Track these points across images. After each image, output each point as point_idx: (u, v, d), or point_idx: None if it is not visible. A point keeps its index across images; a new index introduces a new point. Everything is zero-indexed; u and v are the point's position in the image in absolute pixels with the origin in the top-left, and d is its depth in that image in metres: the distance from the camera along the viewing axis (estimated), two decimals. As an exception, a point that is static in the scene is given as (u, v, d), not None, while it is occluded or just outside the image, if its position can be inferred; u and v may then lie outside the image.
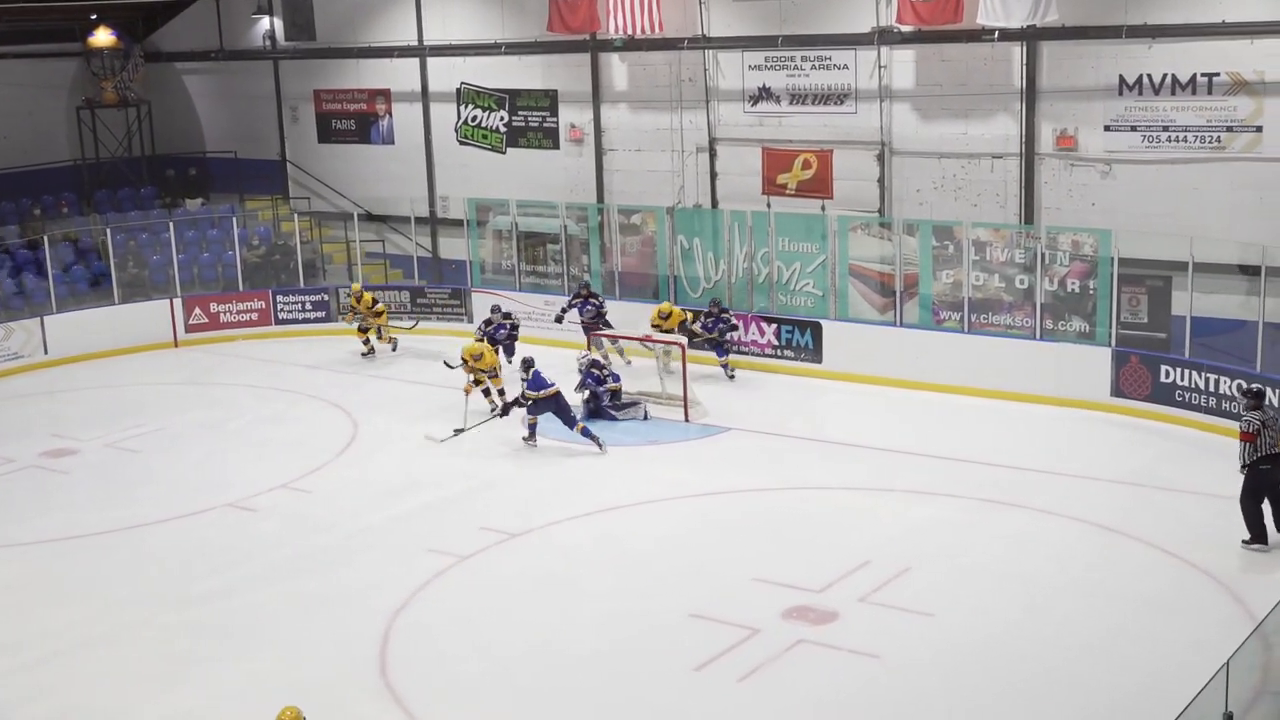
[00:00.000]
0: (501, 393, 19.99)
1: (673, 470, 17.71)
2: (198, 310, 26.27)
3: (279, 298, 26.69)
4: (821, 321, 22.07)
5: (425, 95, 28.02)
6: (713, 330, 21.64)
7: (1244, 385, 14.96)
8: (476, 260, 26.28)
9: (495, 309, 22.99)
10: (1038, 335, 20.26)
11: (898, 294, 21.60)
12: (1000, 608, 13.41)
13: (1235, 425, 15.15)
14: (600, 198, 25.97)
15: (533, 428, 18.74)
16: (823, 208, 23.19)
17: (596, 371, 19.97)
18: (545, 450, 18.78)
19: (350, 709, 11.86)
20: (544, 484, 17.48)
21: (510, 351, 22.29)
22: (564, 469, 18.04)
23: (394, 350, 24.33)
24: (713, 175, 24.68)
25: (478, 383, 19.90)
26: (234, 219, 28.04)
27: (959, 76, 22.06)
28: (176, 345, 25.94)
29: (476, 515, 16.34)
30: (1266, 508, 14.37)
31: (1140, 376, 19.13)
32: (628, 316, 22.62)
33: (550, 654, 12.70)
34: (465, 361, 19.79)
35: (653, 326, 21.39)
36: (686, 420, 19.80)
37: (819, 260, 22.41)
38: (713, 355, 21.87)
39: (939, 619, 13.13)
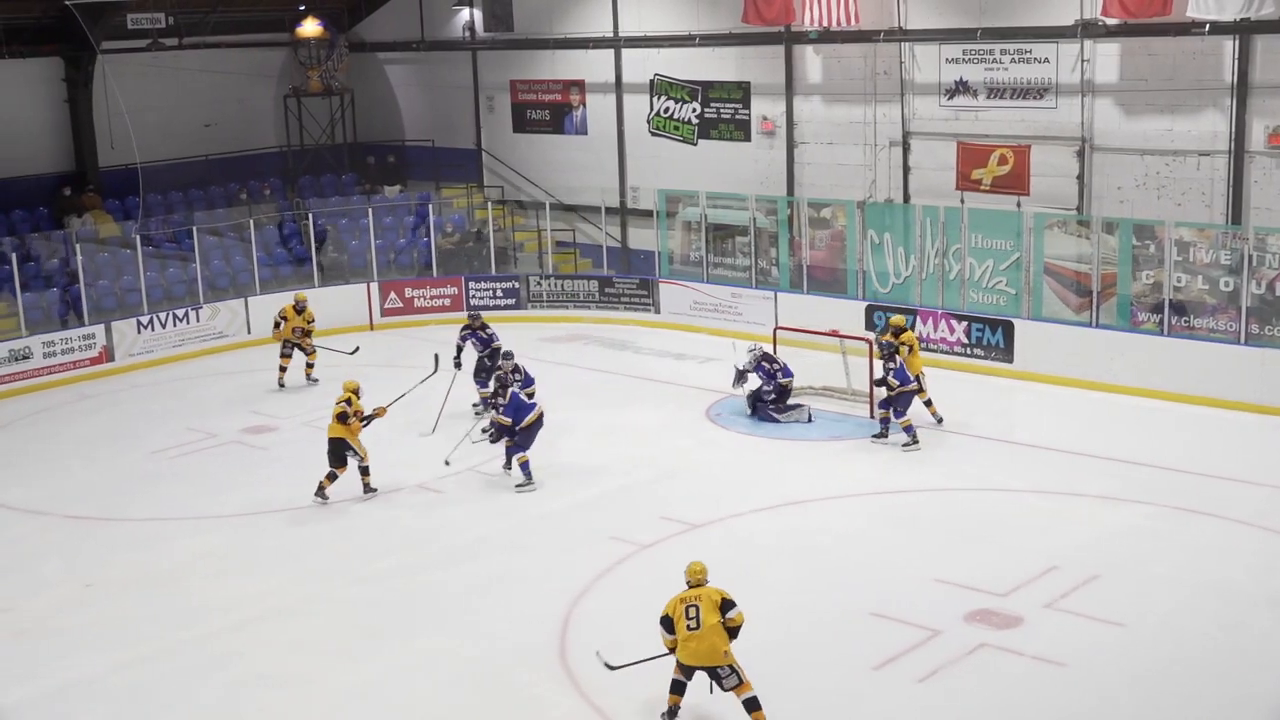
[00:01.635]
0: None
1: (855, 466, 17.54)
2: (393, 295, 26.91)
3: (471, 284, 27.17)
4: (1014, 320, 21.64)
5: (619, 86, 28.22)
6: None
7: None
8: (665, 251, 26.38)
9: (474, 317, 21.09)
10: (1242, 340, 19.55)
11: (1094, 294, 21.06)
12: (1193, 621, 13.00)
13: None
14: (790, 190, 25.85)
15: (509, 450, 17.32)
16: (1018, 204, 22.72)
17: (768, 365, 19.68)
18: (728, 441, 18.77)
19: (528, 692, 12.03)
20: (727, 475, 17.47)
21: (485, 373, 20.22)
22: (747, 461, 18.00)
23: (310, 381, 22.51)
24: (905, 170, 24.36)
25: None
26: (430, 206, 28.64)
27: (1165, 70, 21.37)
28: (372, 328, 26.60)
29: (659, 504, 16.41)
30: None
31: (1352, 386, 18.34)
32: (814, 313, 22.43)
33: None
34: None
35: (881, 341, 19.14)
36: (872, 417, 19.58)
37: (1013, 258, 21.96)
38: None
39: (1128, 629, 12.78)
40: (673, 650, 11.05)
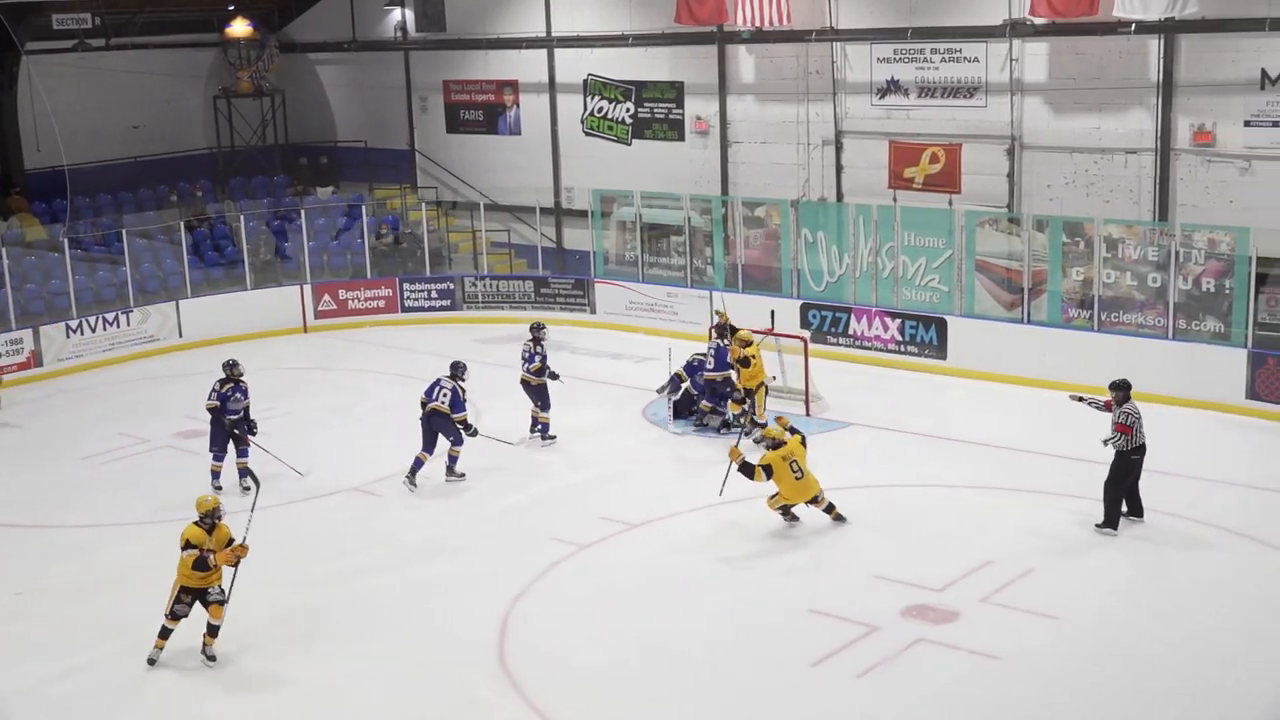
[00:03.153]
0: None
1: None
2: (327, 297, 26.73)
3: (406, 285, 27.05)
4: (947, 317, 21.81)
5: (552, 86, 28.19)
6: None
7: (1114, 380, 15.24)
8: (600, 251, 26.37)
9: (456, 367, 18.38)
10: (1170, 335, 19.82)
11: (1025, 290, 21.26)
12: (1128, 613, 13.17)
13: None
14: (725, 190, 25.92)
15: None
16: (950, 202, 22.91)
17: (700, 357, 19.48)
18: (665, 440, 18.81)
19: (469, 693, 12.00)
20: (664, 475, 17.49)
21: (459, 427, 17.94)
22: (685, 460, 18.04)
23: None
24: (838, 168, 24.50)
25: None
26: (364, 207, 28.47)
27: (1093, 70, 21.63)
28: (306, 330, 26.42)
29: (597, 505, 16.40)
30: None
31: (1278, 379, 18.61)
32: (750, 311, 22.50)
33: (667, 646, 12.71)
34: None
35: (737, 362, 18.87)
36: (807, 414, 19.67)
37: (945, 255, 22.13)
38: (834, 349, 21.72)
39: (1063, 622, 12.92)
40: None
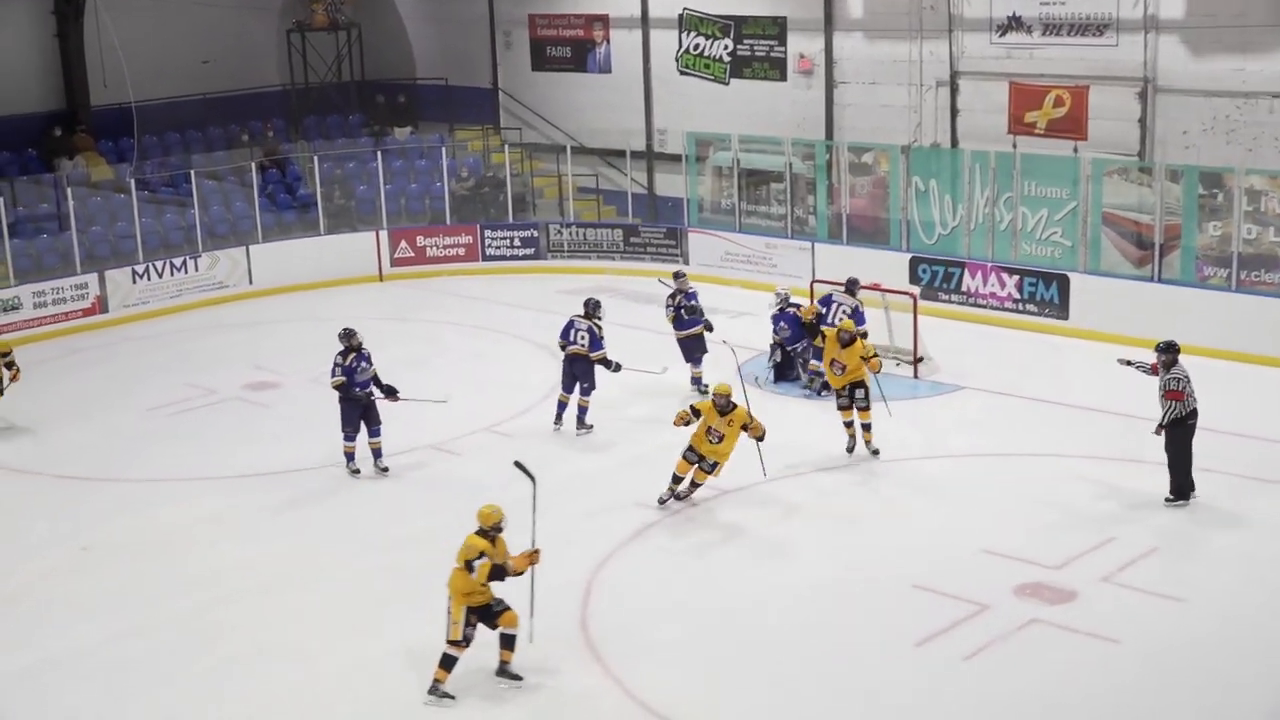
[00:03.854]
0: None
1: (898, 430, 17.44)
2: (404, 244, 26.89)
3: (487, 233, 27.13)
4: (1069, 274, 21.52)
5: (645, 21, 28.04)
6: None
7: (1161, 341, 15.09)
8: (694, 198, 26.27)
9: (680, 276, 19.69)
10: (1316, 296, 19.45)
11: (1157, 246, 20.90)
12: (1259, 595, 12.98)
13: None
14: (829, 134, 25.68)
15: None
16: (1075, 150, 22.54)
17: (793, 309, 19.29)
18: (759, 401, 18.72)
19: (548, 665, 12.03)
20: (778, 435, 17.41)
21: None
22: (778, 422, 17.92)
23: None
24: (953, 112, 24.16)
25: None
26: (443, 149, 28.56)
27: (1236, 6, 21.11)
28: (381, 279, 26.61)
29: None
30: None
31: None
32: (854, 265, 22.31)
33: (758, 621, 12.69)
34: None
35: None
36: (915, 376, 19.50)
37: (1069, 207, 21.81)
38: (945, 306, 21.53)
39: (1189, 605, 12.75)
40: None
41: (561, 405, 17.93)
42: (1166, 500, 14.85)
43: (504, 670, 11.86)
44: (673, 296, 19.36)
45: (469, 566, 11.56)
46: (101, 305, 24.08)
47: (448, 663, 11.63)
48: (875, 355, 16.76)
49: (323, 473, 16.76)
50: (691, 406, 15.40)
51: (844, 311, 18.82)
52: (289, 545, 14.82)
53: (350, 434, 16.63)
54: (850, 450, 16.59)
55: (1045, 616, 12.57)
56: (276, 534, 15.14)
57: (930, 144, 24.29)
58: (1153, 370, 15.19)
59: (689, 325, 19.22)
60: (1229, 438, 16.73)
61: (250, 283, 25.69)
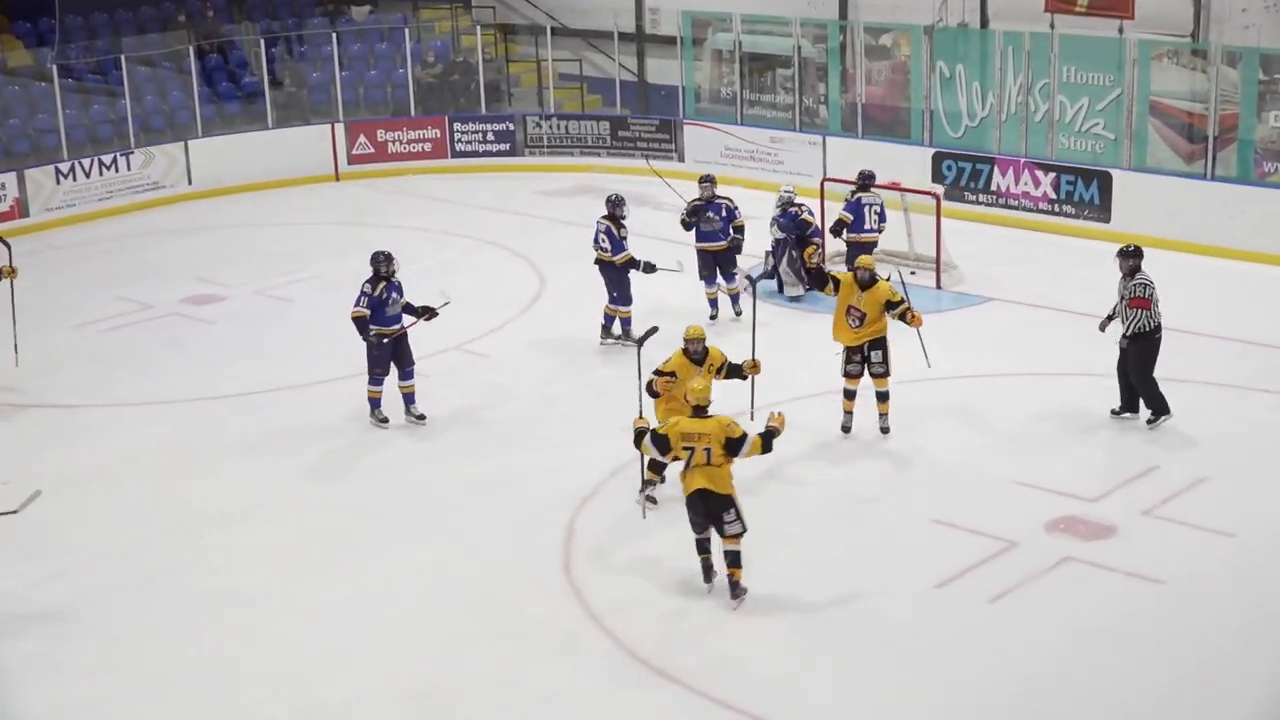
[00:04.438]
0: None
1: (916, 347, 17.53)
2: (362, 138, 26.83)
3: (457, 125, 27.06)
4: (1112, 171, 21.54)
5: (635, -117, 27.86)
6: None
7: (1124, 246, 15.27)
8: (691, 86, 26.19)
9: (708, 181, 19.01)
10: (1389, 196, 19.51)
11: (1211, 139, 20.91)
12: (1321, 531, 13.07)
13: None
14: (843, 13, 25.58)
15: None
16: (1120, 30, 22.46)
17: (795, 209, 19.26)
18: (763, 314, 18.78)
19: (524, 610, 12.15)
20: (768, 356, 17.45)
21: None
22: (785, 339, 18.01)
23: None
24: (984, -14, 24.13)
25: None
26: (406, 31, 28.39)
27: None
28: (338, 179, 26.59)
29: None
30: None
31: None
32: (871, 161, 22.29)
33: (764, 559, 12.76)
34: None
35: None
36: (938, 286, 19.56)
37: (1112, 95, 21.80)
38: (972, 208, 21.56)
39: (1241, 540, 12.85)
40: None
41: (608, 318, 18.00)
42: (1148, 424, 15.02)
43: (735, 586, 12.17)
44: (694, 212, 18.61)
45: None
46: (21, 209, 24.03)
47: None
48: (906, 305, 14.96)
49: (270, 397, 16.81)
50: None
51: (876, 212, 18.86)
52: (241, 476, 14.90)
53: (379, 376, 15.78)
54: (847, 430, 15.20)
55: (1080, 554, 12.66)
56: (226, 465, 15.18)
57: (957, 24, 24.21)
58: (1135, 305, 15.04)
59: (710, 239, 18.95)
60: (1286, 354, 16.88)
61: (189, 183, 25.65)
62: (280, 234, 23.27)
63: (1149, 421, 15.05)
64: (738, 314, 18.53)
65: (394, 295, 15.78)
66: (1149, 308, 14.84)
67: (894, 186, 20.38)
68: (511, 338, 18.46)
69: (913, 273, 19.56)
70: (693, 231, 18.66)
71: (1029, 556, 12.65)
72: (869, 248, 18.94)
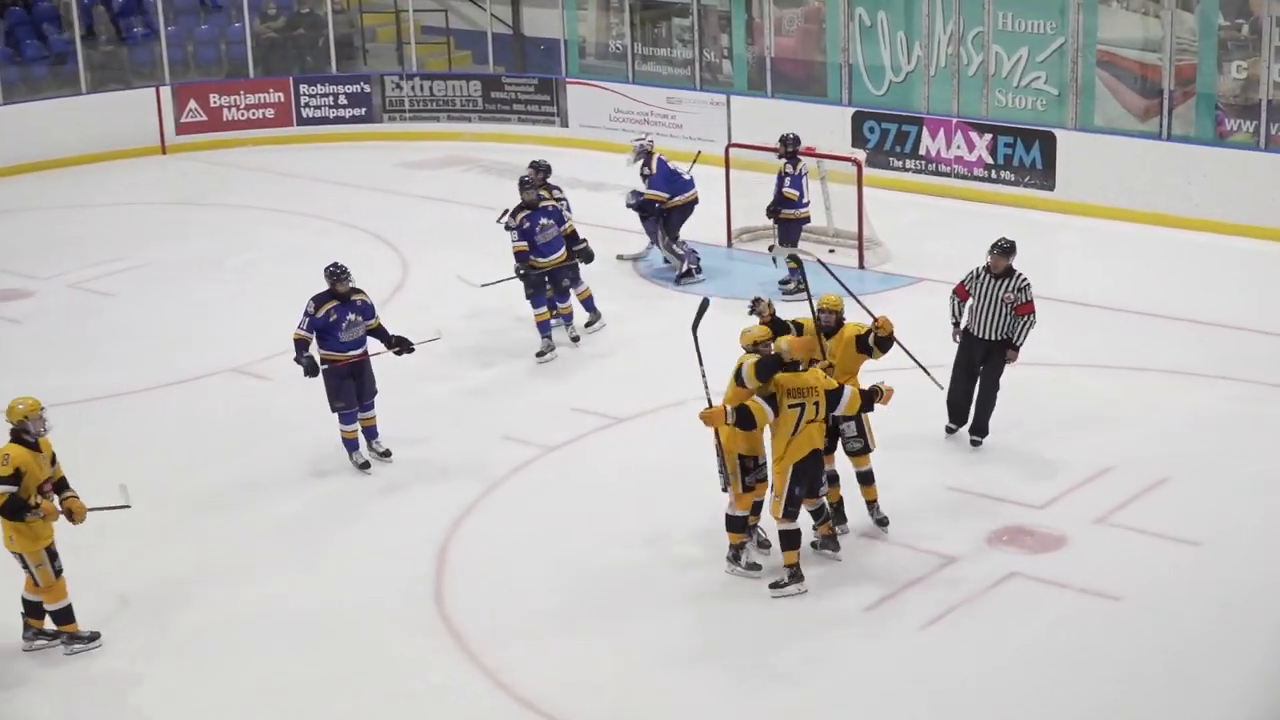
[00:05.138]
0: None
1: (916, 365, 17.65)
2: (193, 104, 26.58)
3: (303, 88, 26.87)
4: (1056, 131, 21.77)
5: None
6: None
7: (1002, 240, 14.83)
8: (574, 40, 26.17)
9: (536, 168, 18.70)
10: (1365, 155, 19.85)
11: (1166, 93, 21.15)
12: (1295, 536, 13.26)
13: None
14: (748, -47, 25.68)
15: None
16: (1063, -30, 22.73)
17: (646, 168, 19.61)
18: (666, 302, 18.83)
19: (392, 650, 12.07)
20: (659, 354, 17.48)
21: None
22: (688, 333, 18.06)
23: None
24: (907, -78, 24.27)
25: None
26: (243, -22, 28.22)
27: None
28: (164, 151, 26.34)
29: (571, 393, 16.45)
30: None
31: None
32: (782, 123, 22.38)
33: (659, 576, 12.76)
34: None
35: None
36: (861, 266, 19.68)
37: (1055, 45, 22.01)
38: (898, 175, 21.74)
39: (1206, 549, 12.98)
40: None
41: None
42: (975, 442, 14.93)
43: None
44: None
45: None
46: None
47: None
48: (872, 325, 13.57)
49: (90, 407, 16.58)
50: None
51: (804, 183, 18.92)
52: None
53: (341, 410, 15.01)
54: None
55: (1027, 569, 12.73)
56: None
57: (877, -35, 24.36)
58: (959, 294, 14.96)
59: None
60: (1257, 338, 17.08)
61: (-10, 158, 25.34)
62: (98, 217, 22.98)
63: (975, 441, 14.93)
64: (574, 340, 17.92)
65: (350, 317, 14.90)
66: (1034, 312, 14.79)
67: (809, 153, 20.44)
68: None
69: (831, 251, 19.71)
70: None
71: (967, 573, 12.69)
72: (802, 224, 19.09)
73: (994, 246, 14.73)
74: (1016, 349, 14.82)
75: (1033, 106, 22.26)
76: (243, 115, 26.81)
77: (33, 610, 12.19)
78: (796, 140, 19.17)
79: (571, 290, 17.92)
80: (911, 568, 12.83)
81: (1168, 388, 16.07)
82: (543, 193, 17.72)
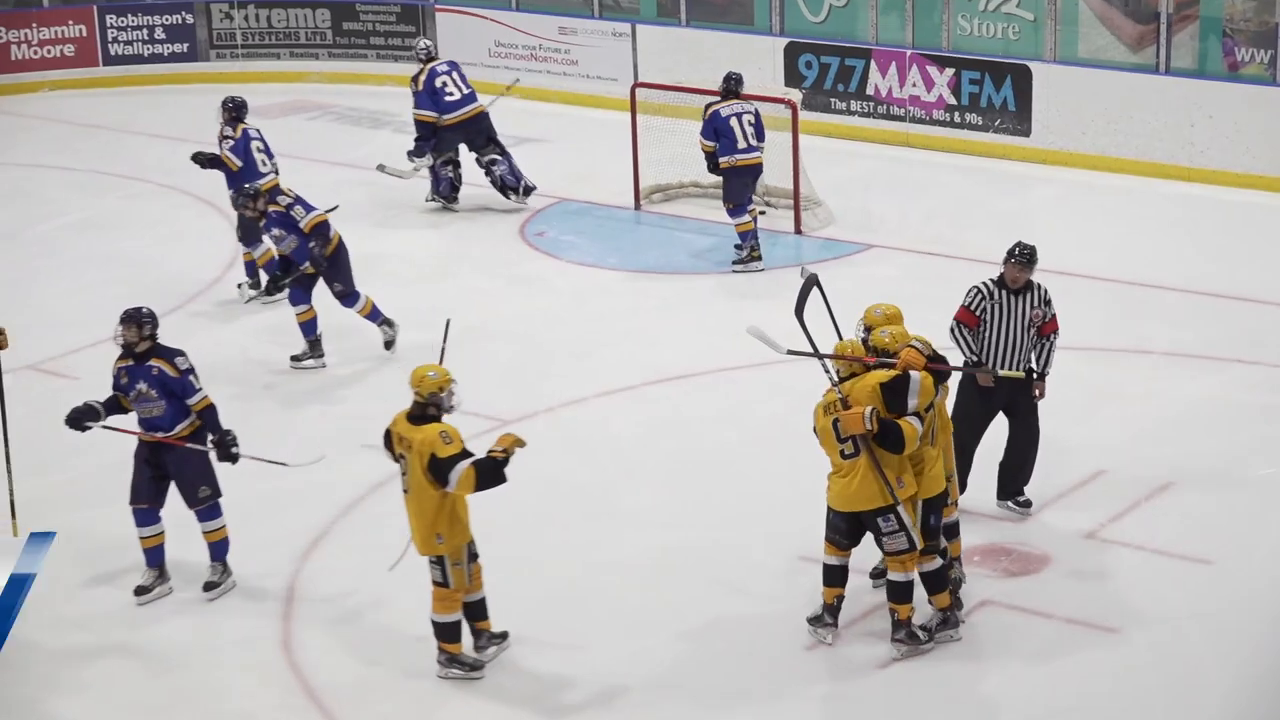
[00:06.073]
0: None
1: (773, 314, 17.63)
2: (-25, 40, 26.41)
3: (110, 19, 26.69)
4: (1031, 65, 21.92)
5: None
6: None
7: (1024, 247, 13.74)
8: (444, -43, 26.13)
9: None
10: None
11: (1164, 19, 21.29)
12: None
13: None
14: None
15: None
16: None
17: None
18: (561, 276, 18.83)
19: (234, 702, 12.08)
20: (558, 333, 17.48)
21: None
22: (592, 308, 18.06)
23: None
24: None
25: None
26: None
27: None
28: (-60, 98, 26.16)
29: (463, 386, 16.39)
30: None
31: None
32: (702, 59, 22.40)
33: (569, 609, 12.79)
34: None
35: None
36: (798, 231, 19.72)
37: (1029, -39, 22.17)
38: (841, 120, 21.83)
39: (1219, 569, 13.07)
40: None
41: None
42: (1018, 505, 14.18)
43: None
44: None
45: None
46: None
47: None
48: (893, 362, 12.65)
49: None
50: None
51: (751, 123, 18.80)
52: None
53: (139, 510, 13.38)
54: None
55: (1003, 596, 12.81)
56: None
57: None
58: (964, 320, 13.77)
59: None
60: (1274, 311, 17.22)
61: None
62: None
63: (1023, 503, 14.08)
64: (388, 345, 17.72)
65: (142, 387, 13.13)
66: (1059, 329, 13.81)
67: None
68: (198, 327, 18.15)
69: (763, 211, 19.69)
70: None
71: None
72: (754, 171, 18.92)
73: (1010, 255, 13.55)
74: (1044, 378, 13.81)
75: (1004, 35, 22.35)
76: (35, 53, 26.60)
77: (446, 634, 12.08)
78: (739, 79, 19.11)
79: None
80: (865, 596, 12.83)
81: (1172, 373, 16.20)
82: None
